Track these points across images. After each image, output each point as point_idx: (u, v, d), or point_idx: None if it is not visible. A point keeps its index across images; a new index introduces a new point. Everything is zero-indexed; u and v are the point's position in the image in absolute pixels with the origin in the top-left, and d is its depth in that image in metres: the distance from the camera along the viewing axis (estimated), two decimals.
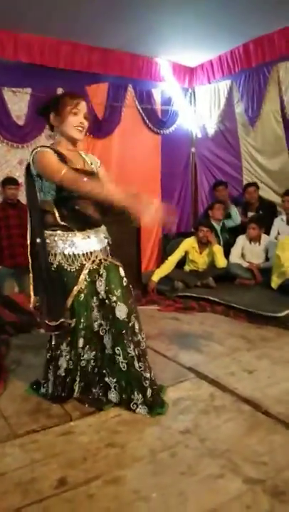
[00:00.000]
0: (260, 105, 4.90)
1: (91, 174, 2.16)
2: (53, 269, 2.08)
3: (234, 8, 3.96)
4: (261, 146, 5.03)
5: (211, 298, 4.04)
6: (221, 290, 4.24)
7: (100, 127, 5.10)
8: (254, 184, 5.04)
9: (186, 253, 4.72)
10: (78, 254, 2.10)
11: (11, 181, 4.32)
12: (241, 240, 4.67)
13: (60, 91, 4.81)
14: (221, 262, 4.55)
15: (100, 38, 4.66)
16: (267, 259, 4.56)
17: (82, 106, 2.12)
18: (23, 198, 4.47)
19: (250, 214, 5.03)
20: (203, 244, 4.65)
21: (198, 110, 5.84)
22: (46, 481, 1.61)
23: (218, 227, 4.99)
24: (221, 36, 4.68)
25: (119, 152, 5.28)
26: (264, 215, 4.81)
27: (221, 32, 4.53)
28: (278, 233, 4.73)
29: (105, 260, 2.16)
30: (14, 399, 2.26)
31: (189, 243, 4.69)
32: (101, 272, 2.13)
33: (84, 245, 2.11)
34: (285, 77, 4.61)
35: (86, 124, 2.14)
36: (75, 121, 2.10)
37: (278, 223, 4.76)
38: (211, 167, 5.80)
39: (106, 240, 2.23)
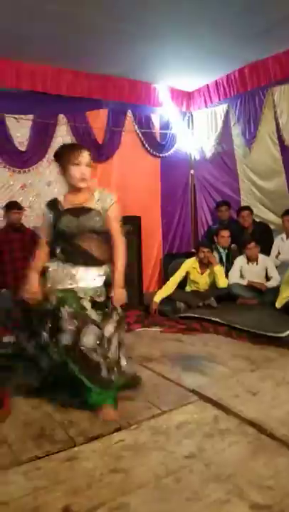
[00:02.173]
0: (257, 128, 5.01)
1: (86, 211, 2.41)
2: None
3: (229, 35, 4.11)
4: (258, 167, 5.12)
5: (213, 319, 4.04)
6: (223, 310, 4.24)
7: (100, 151, 5.21)
8: (248, 208, 5.08)
9: (188, 273, 4.74)
10: None
11: (14, 206, 4.38)
12: (239, 261, 4.69)
13: (61, 117, 4.95)
14: (222, 282, 4.57)
15: (99, 66, 4.81)
16: (267, 278, 4.58)
17: (83, 156, 2.37)
18: (26, 222, 4.55)
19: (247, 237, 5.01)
20: (204, 264, 4.68)
21: (196, 133, 5.96)
22: (50, 509, 1.59)
23: (223, 253, 4.99)
24: (216, 62, 4.83)
25: (119, 175, 5.37)
26: (262, 236, 4.82)
27: (216, 57, 4.68)
28: (279, 253, 4.76)
29: None
30: (17, 424, 2.24)
31: (190, 264, 4.71)
32: None
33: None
34: (279, 100, 4.73)
35: (88, 173, 2.40)
36: (77, 172, 2.37)
37: (278, 242, 4.80)
38: (209, 188, 5.89)
39: None
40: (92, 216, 2.40)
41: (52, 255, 2.48)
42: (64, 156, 2.40)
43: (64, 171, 2.41)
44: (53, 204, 2.49)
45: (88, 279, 2.37)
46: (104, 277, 2.43)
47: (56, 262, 2.42)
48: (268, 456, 1.86)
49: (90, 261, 2.38)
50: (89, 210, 2.41)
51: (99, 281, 2.41)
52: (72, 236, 2.37)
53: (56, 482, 1.75)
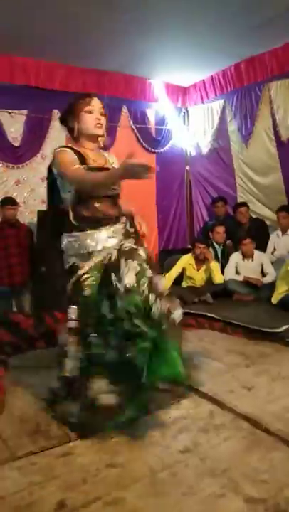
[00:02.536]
0: (253, 123, 5.01)
1: None
2: None
3: (226, 30, 4.09)
4: (254, 163, 5.11)
5: (209, 314, 4.04)
6: (219, 306, 4.24)
7: None
8: (245, 204, 5.08)
9: (184, 269, 4.74)
10: None
11: (9, 201, 4.35)
12: (235, 257, 4.69)
13: (55, 113, 4.91)
14: (218, 278, 4.57)
15: (94, 60, 4.78)
16: (263, 274, 4.58)
17: (96, 103, 2.17)
18: (21, 218, 4.52)
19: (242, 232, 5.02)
20: (200, 260, 4.68)
21: (191, 129, 5.94)
22: (45, 504, 1.58)
23: (219, 249, 5.00)
24: (213, 57, 4.81)
25: None
26: (258, 232, 4.83)
27: (213, 53, 4.66)
28: (274, 249, 4.77)
29: None
30: (13, 420, 2.23)
31: (186, 260, 4.71)
32: None
33: None
34: (276, 96, 4.72)
35: (103, 120, 2.19)
36: (91, 118, 2.15)
37: (274, 238, 4.80)
38: (205, 184, 5.88)
39: None
40: None
41: (59, 225, 2.21)
42: (73, 107, 2.17)
43: (77, 122, 2.16)
44: (79, 154, 2.14)
45: (111, 240, 2.16)
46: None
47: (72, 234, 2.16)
48: (263, 451, 1.87)
49: (108, 222, 2.18)
50: None
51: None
52: (93, 199, 2.12)
53: (51, 477, 1.74)
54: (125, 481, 1.70)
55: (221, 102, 5.41)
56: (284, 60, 4.56)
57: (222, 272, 4.68)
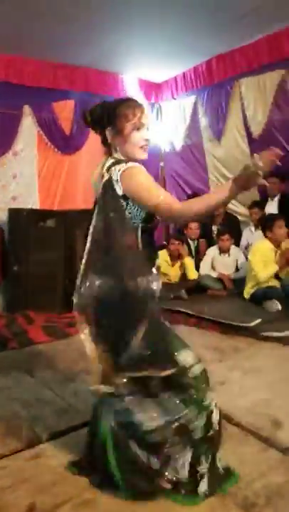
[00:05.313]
0: (225, 120, 5.02)
1: None
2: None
3: (197, 27, 4.09)
4: (226, 159, 5.14)
5: (184, 310, 4.06)
6: (194, 302, 4.27)
7: (68, 143, 5.11)
8: None
9: (158, 266, 4.73)
10: None
11: None
12: (211, 252, 4.74)
13: (26, 108, 4.82)
14: (192, 274, 4.60)
15: (66, 55, 4.71)
16: (237, 270, 4.64)
17: (146, 117, 1.66)
18: None
19: (214, 228, 5.07)
20: (174, 257, 4.69)
21: (165, 125, 5.94)
22: (14, 508, 1.56)
23: (193, 245, 5.03)
24: (184, 53, 4.81)
25: (88, 168, 5.28)
26: (231, 228, 4.88)
27: (184, 49, 4.66)
28: (248, 244, 4.82)
29: None
30: None
31: (161, 256, 4.71)
32: None
33: None
34: (246, 92, 4.75)
35: (149, 139, 1.68)
36: (140, 138, 1.63)
37: (247, 234, 4.86)
38: (179, 181, 5.89)
39: None
40: None
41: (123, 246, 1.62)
42: (122, 117, 1.62)
43: (122, 140, 1.62)
44: None
45: None
46: None
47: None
48: (234, 445, 1.89)
49: None
50: None
51: None
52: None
53: (21, 481, 1.72)
54: None
55: (193, 98, 5.41)
56: (253, 57, 4.59)
57: (197, 268, 4.71)
